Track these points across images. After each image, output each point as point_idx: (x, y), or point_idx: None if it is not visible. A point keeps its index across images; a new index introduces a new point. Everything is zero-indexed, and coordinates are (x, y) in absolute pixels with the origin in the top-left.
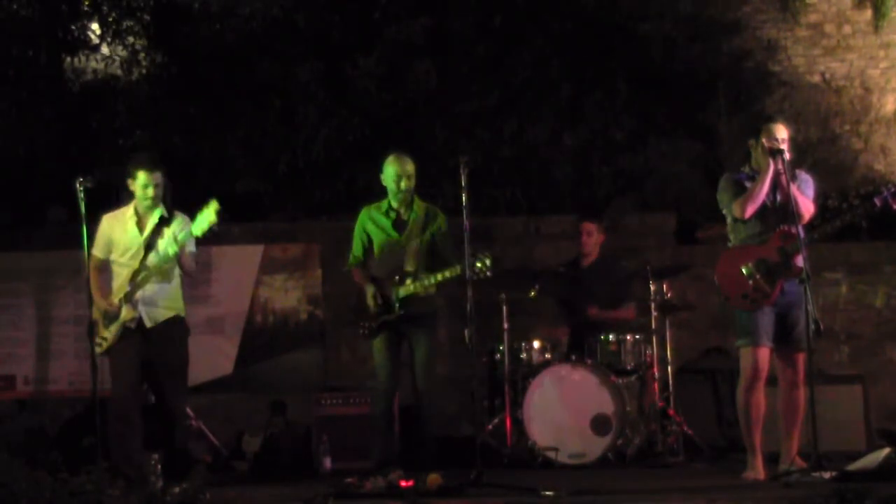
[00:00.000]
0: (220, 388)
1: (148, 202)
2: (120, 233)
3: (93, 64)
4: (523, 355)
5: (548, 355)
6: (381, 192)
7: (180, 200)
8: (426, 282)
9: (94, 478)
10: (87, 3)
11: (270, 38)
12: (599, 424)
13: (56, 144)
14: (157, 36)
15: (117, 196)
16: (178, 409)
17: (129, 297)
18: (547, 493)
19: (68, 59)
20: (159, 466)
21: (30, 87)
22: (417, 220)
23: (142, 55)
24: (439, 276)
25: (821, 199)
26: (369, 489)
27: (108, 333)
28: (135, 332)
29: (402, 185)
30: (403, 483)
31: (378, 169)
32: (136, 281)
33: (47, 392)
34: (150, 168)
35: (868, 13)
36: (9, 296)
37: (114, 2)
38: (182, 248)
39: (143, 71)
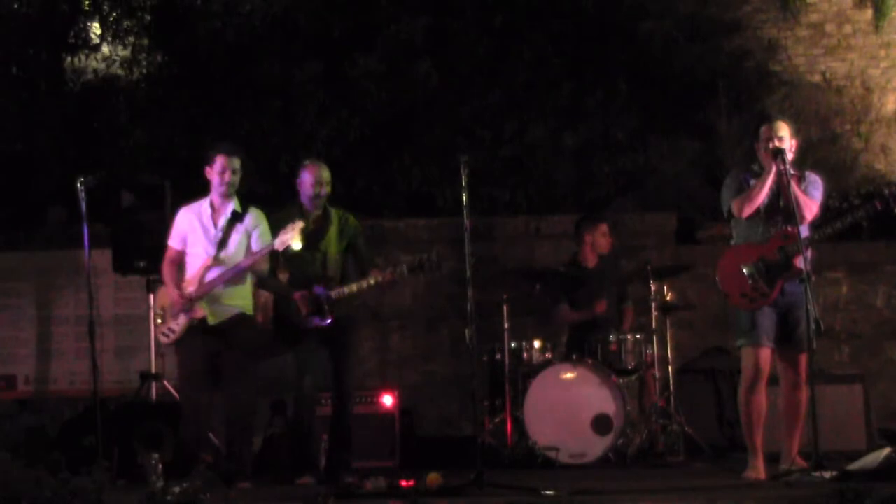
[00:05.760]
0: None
1: (224, 188)
2: (195, 225)
3: (93, 64)
4: (523, 355)
5: (548, 355)
6: (383, 191)
7: (181, 200)
8: (354, 288)
9: (96, 477)
10: (87, 2)
11: (271, 37)
12: (600, 424)
13: (56, 144)
14: (158, 36)
15: (118, 196)
16: (238, 410)
17: (200, 296)
18: (547, 493)
19: (68, 58)
20: (160, 466)
21: (30, 86)
22: (334, 228)
23: (142, 55)
24: (364, 284)
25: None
26: (369, 489)
27: (177, 325)
28: (199, 328)
29: (319, 190)
30: (404, 483)
31: (378, 169)
32: (206, 275)
33: (48, 392)
34: (228, 153)
35: (869, 13)
36: (9, 296)
37: (114, 1)
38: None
39: (144, 71)
